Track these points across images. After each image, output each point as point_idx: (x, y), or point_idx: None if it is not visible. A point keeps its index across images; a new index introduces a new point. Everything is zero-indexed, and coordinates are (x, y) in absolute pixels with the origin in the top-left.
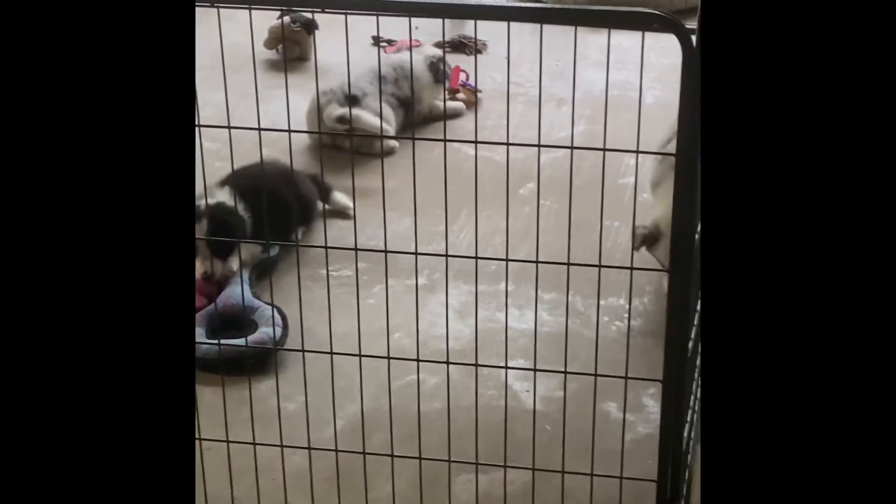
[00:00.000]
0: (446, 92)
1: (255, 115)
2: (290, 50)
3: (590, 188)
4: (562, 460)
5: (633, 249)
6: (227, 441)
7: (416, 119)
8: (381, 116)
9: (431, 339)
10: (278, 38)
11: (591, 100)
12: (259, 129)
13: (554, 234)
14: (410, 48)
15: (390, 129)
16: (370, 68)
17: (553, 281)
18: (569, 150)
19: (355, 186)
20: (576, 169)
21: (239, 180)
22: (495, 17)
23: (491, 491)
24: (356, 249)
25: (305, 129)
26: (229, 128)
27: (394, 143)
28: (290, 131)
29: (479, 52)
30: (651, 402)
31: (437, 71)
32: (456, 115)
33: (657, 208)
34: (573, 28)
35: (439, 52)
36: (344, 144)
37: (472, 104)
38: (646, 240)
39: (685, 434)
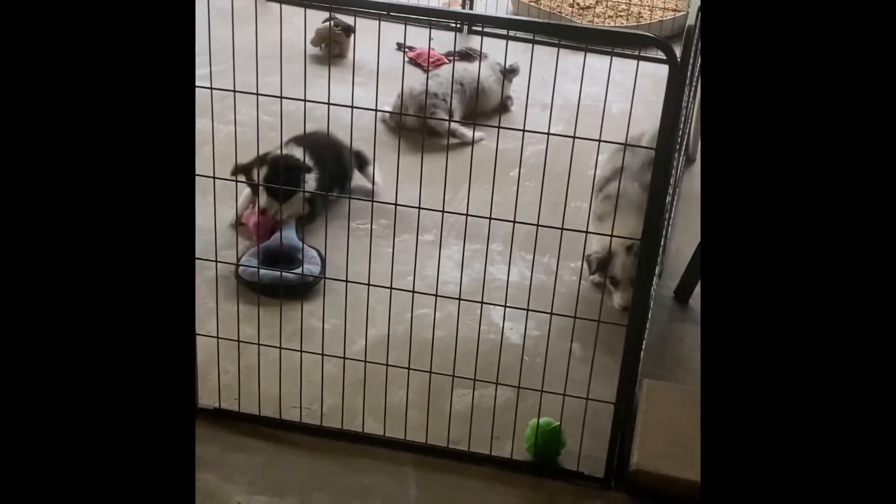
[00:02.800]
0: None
1: (303, 97)
2: (332, 48)
3: (565, 176)
4: (542, 382)
5: (590, 274)
6: (280, 347)
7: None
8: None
9: (439, 282)
10: (323, 38)
11: (568, 106)
12: (329, 104)
13: (534, 209)
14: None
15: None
16: (446, 77)
17: (532, 245)
18: (549, 143)
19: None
20: (553, 161)
21: (305, 141)
22: (502, 26)
23: (482, 403)
24: (395, 205)
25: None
26: (304, 101)
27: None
28: (352, 107)
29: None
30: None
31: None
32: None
33: (603, 240)
34: (556, 49)
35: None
36: (406, 123)
37: None
38: (601, 263)
39: (639, 369)
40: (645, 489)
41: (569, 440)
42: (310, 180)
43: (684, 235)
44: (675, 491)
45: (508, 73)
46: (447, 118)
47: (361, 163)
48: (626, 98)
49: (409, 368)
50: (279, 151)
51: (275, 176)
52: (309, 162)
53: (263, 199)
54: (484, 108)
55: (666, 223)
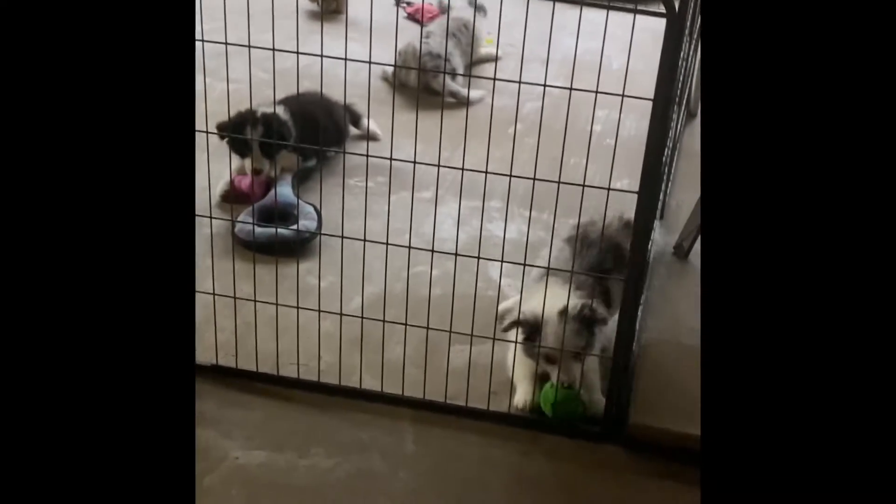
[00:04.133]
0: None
1: (296, 55)
2: (328, 4)
3: (563, 132)
4: (539, 338)
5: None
6: (277, 304)
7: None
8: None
9: (436, 240)
10: None
11: (567, 62)
12: (321, 56)
13: (532, 165)
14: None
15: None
16: (441, 28)
17: (532, 201)
18: (548, 99)
19: (374, 115)
20: (553, 118)
21: (291, 102)
22: None
23: (479, 359)
24: (391, 159)
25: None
26: (297, 53)
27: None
28: (345, 59)
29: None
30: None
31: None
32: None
33: (532, 303)
34: (552, 3)
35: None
36: (409, 82)
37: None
38: (530, 332)
39: (637, 325)
40: (642, 443)
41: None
42: (293, 139)
43: (685, 191)
44: (672, 444)
45: (479, 8)
46: (449, 76)
47: (354, 118)
48: (627, 53)
49: (406, 325)
50: (262, 110)
51: (261, 135)
52: (290, 120)
53: (253, 158)
54: (478, 53)
55: (665, 178)
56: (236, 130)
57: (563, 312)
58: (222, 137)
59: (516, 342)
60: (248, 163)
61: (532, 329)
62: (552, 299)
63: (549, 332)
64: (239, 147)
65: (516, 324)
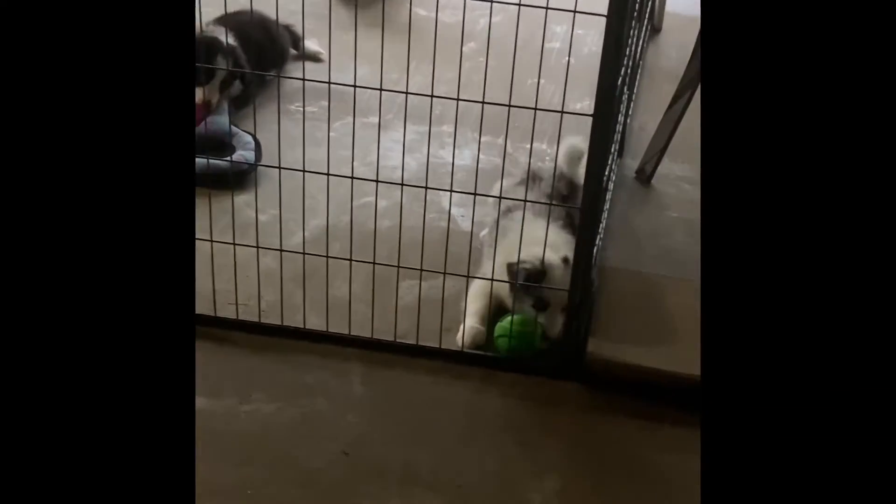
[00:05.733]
0: None
1: None
2: None
3: (522, 51)
4: (492, 270)
5: (511, 288)
6: (212, 241)
7: None
8: None
9: (383, 168)
10: None
11: None
12: None
13: (488, 87)
14: None
15: None
16: None
17: (486, 126)
18: (504, 15)
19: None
20: (510, 36)
21: (228, 21)
22: None
23: (430, 294)
24: (328, 83)
25: None
26: None
27: None
28: None
29: None
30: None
31: None
32: None
33: (534, 251)
34: None
35: None
36: None
37: None
38: (530, 278)
39: (595, 254)
40: (601, 378)
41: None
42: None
43: (648, 112)
44: (631, 377)
45: None
46: None
47: (294, 38)
48: None
49: (351, 260)
50: (209, 31)
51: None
52: (232, 41)
53: (207, 90)
54: None
55: (626, 98)
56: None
57: (566, 260)
58: None
59: (492, 278)
60: (198, 92)
61: (537, 277)
62: (536, 233)
63: (552, 280)
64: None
65: (527, 272)
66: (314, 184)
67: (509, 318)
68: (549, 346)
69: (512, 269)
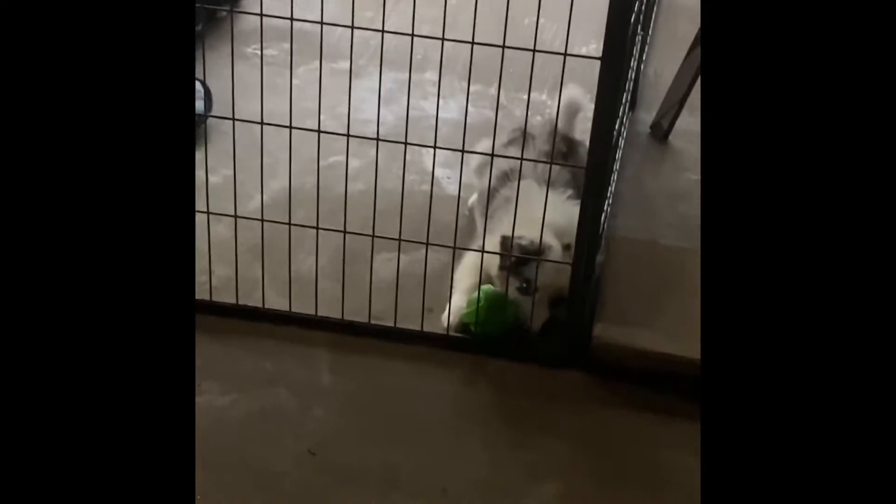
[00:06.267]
0: None
1: None
2: None
3: None
4: (482, 243)
5: (501, 265)
6: None
7: None
8: None
9: (356, 122)
10: None
11: None
12: None
13: (479, 26)
14: None
15: None
16: None
17: (476, 73)
18: None
19: None
20: None
21: None
22: None
23: (410, 269)
24: (291, 20)
25: None
26: None
27: None
28: None
29: None
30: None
31: None
32: None
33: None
34: None
35: None
36: None
37: None
38: (524, 253)
39: (603, 222)
40: (607, 366)
41: (518, 311)
42: None
43: (665, 58)
44: (642, 366)
45: None
46: None
47: None
48: None
49: (318, 228)
50: None
51: None
52: None
53: None
54: None
55: (640, 40)
56: None
57: (569, 247)
58: None
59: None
60: None
61: (528, 253)
62: (537, 212)
63: (548, 267)
64: None
65: (523, 249)
66: (274, 139)
67: (478, 292)
68: (522, 329)
69: (506, 243)
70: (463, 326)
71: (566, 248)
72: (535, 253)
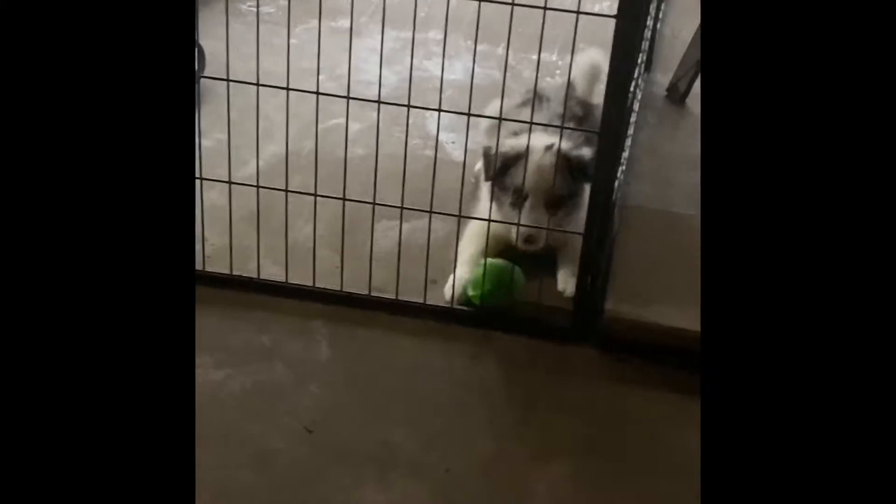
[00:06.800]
0: None
1: None
2: None
3: None
4: (489, 208)
5: (485, 177)
6: None
7: None
8: None
9: (356, 83)
10: None
11: None
12: None
13: None
14: None
15: None
16: None
17: (483, 31)
18: None
19: None
20: None
21: None
22: None
23: (413, 238)
24: None
25: None
26: None
27: None
28: None
29: None
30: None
31: None
32: None
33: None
34: None
35: None
36: None
37: None
38: (504, 165)
39: (615, 190)
40: (620, 341)
41: (526, 282)
42: None
43: (682, 15)
44: (656, 341)
45: None
46: None
47: None
48: None
49: (315, 195)
50: None
51: None
52: None
53: None
54: None
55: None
56: None
57: (550, 148)
58: None
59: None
60: None
61: (507, 163)
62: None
63: (531, 168)
64: None
65: (505, 158)
66: (271, 101)
67: (482, 262)
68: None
69: (488, 154)
70: (467, 299)
71: (547, 147)
72: (517, 158)
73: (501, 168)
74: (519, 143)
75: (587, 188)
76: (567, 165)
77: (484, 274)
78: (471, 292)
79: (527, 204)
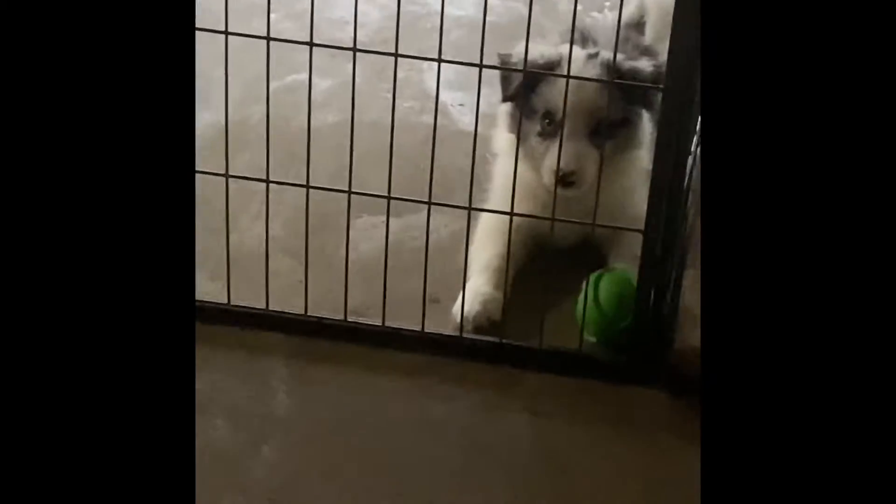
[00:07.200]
0: None
1: None
2: None
3: None
4: (511, 198)
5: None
6: None
7: None
8: None
9: (324, 23)
10: None
11: None
12: None
13: None
14: None
15: None
16: None
17: None
18: None
19: None
20: None
21: None
22: None
23: (404, 239)
24: None
25: None
26: None
27: None
28: None
29: None
30: None
31: None
32: None
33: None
34: None
35: None
36: None
37: None
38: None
39: (687, 176)
40: (694, 381)
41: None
42: None
43: None
44: None
45: None
46: None
47: None
48: None
49: (268, 181)
50: None
51: None
52: None
53: None
54: None
55: None
56: None
57: (596, 57)
58: None
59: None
60: None
61: (535, 76)
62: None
63: (570, 83)
64: None
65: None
66: (206, 51)
67: (596, 276)
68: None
69: (507, 62)
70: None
71: (591, 57)
72: (548, 67)
73: (528, 83)
74: (551, 50)
75: (647, 120)
76: (619, 79)
77: (595, 291)
78: (590, 335)
79: (563, 133)
